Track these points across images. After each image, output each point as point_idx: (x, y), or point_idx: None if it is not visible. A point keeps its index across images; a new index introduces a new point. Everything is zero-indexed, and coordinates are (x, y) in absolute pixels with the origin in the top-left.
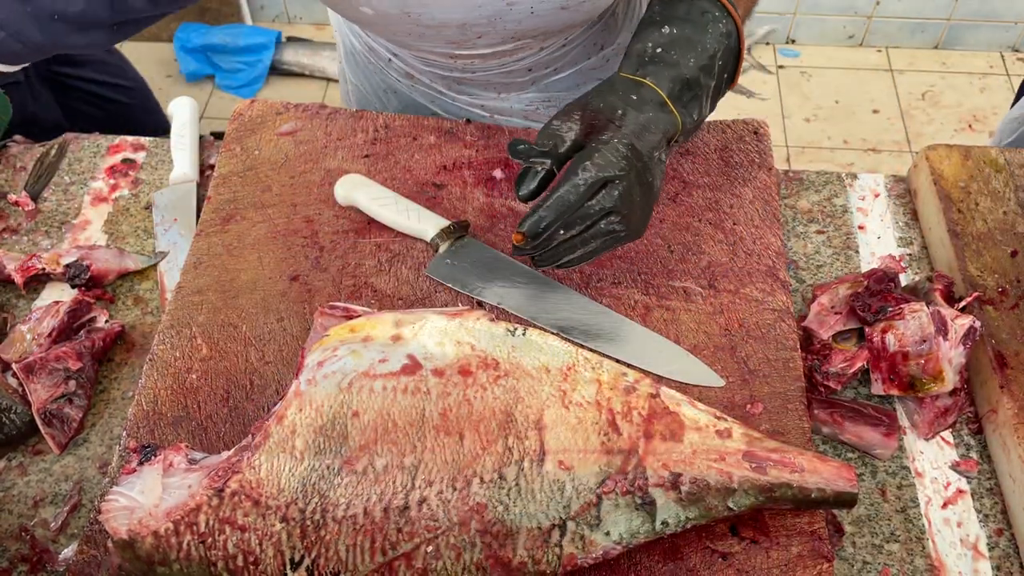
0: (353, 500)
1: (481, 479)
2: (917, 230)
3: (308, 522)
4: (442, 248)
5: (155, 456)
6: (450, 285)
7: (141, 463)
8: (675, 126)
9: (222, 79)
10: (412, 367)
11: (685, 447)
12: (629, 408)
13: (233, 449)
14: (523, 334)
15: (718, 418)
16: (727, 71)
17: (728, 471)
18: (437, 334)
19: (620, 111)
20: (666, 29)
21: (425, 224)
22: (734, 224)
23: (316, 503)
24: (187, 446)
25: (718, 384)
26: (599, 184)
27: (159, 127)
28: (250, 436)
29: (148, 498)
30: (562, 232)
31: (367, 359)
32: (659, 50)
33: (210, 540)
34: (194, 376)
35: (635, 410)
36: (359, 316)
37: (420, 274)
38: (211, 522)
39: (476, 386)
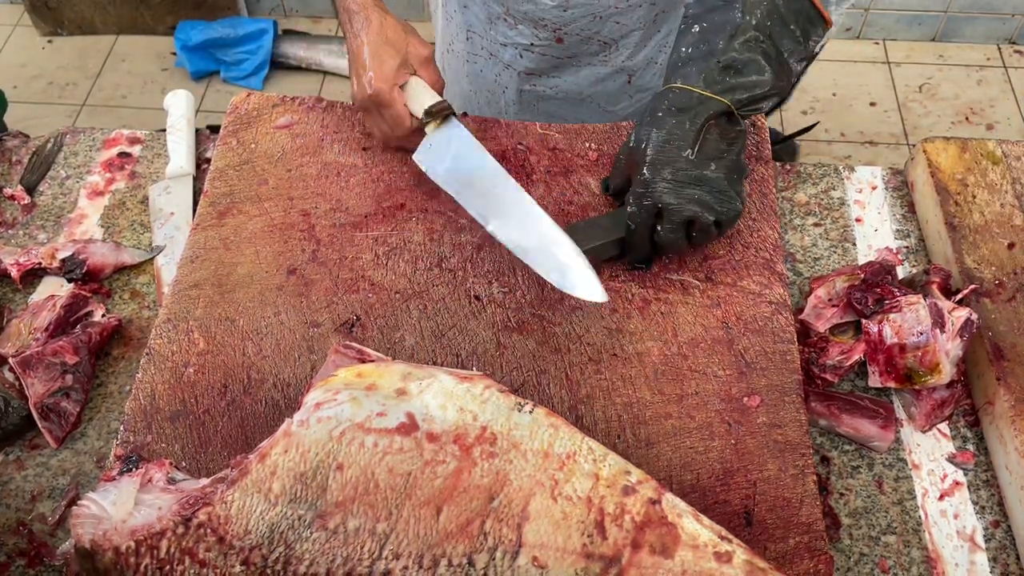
0: (318, 558)
1: (449, 562)
2: (914, 223)
3: (268, 571)
4: (429, 130)
5: (137, 468)
6: (431, 175)
7: (122, 473)
8: (718, 107)
9: (227, 72)
10: (408, 427)
11: (675, 565)
12: (623, 511)
13: (210, 479)
14: (530, 411)
15: (722, 538)
16: (791, 24)
17: None
18: (442, 396)
19: (643, 143)
20: (696, 28)
21: (415, 100)
22: None
23: (280, 553)
24: (171, 463)
25: (600, 299)
26: (650, 218)
27: None
28: (229, 469)
29: (118, 511)
30: (667, 256)
31: (366, 409)
32: (690, 50)
33: (168, 568)
34: (191, 370)
35: (628, 514)
36: (372, 360)
37: (417, 267)
38: (172, 550)
39: (467, 459)
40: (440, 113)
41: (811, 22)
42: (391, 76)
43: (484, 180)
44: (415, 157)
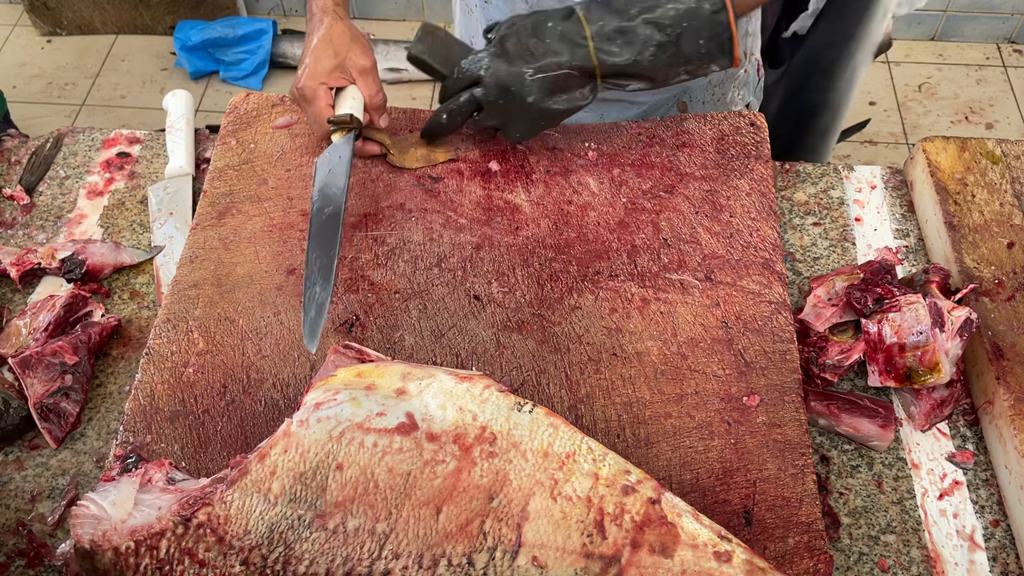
0: (317, 558)
1: (449, 561)
2: (914, 222)
3: (268, 571)
4: (334, 138)
5: (136, 468)
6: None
7: (121, 473)
8: (587, 61)
9: (226, 72)
10: (408, 427)
11: (674, 564)
12: (622, 510)
13: (210, 478)
14: (530, 411)
15: (722, 537)
16: (701, 39)
17: None
18: (442, 396)
19: (529, 49)
20: None
21: (340, 105)
22: (731, 216)
23: (280, 552)
24: (171, 463)
25: (309, 349)
26: (471, 109)
27: None
28: (229, 468)
29: (118, 511)
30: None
31: (365, 409)
32: None
33: (167, 568)
34: (191, 370)
35: (628, 514)
36: (372, 360)
37: (417, 267)
38: (172, 550)
39: (467, 459)
40: (341, 126)
41: (720, 49)
42: (321, 75)
43: (326, 206)
44: (316, 159)
